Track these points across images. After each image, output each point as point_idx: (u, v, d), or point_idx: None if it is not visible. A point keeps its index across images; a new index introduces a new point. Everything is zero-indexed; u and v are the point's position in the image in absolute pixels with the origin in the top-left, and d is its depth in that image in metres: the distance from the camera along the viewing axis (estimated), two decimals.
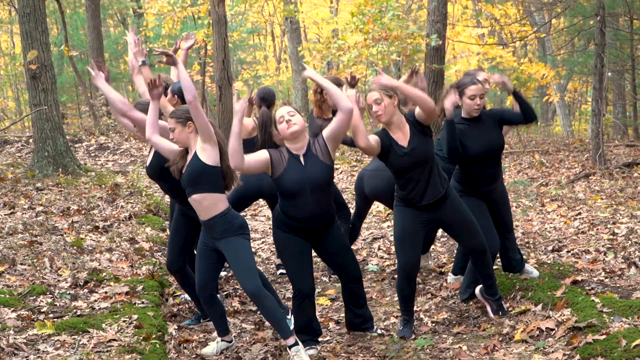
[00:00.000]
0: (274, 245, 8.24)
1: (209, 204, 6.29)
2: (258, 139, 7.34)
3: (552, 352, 6.09)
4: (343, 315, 7.28)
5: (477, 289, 7.42)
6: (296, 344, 6.29)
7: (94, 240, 9.34)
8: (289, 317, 7.12)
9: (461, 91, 7.23)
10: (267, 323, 7.17)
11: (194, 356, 6.62)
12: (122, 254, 8.80)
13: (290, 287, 8.61)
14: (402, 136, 6.65)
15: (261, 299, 6.27)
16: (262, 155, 6.36)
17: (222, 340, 6.74)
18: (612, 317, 6.28)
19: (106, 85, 7.05)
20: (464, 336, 6.91)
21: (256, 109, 8.67)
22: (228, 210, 6.38)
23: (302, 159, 6.41)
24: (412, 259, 6.87)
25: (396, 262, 9.00)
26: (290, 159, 6.39)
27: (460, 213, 6.88)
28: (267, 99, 8.54)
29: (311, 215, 6.48)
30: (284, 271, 9.16)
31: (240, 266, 6.29)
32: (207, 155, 6.24)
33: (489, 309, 7.27)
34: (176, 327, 7.16)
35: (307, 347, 6.63)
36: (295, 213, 6.45)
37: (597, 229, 9.58)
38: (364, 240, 10.58)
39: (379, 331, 7.11)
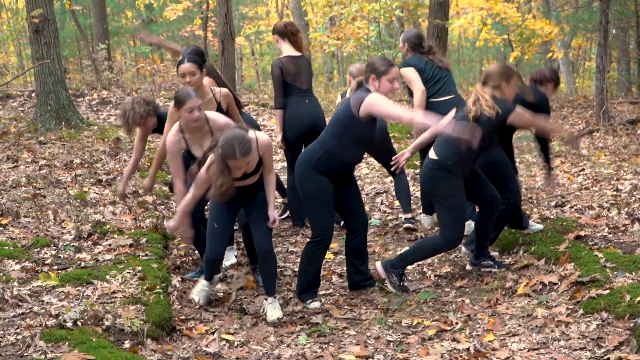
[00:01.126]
0: None
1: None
2: None
3: (555, 306, 6.11)
4: (346, 269, 7.29)
5: (468, 265, 7.41)
6: (274, 298, 6.51)
7: (97, 194, 9.35)
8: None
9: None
10: None
11: (197, 307, 6.64)
12: (126, 207, 8.80)
13: (291, 239, 8.68)
14: None
15: (272, 257, 6.39)
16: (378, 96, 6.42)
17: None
18: (615, 272, 6.30)
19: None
20: (467, 290, 6.94)
21: None
22: None
23: None
24: (462, 234, 6.96)
25: (399, 216, 9.06)
26: None
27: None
28: None
29: (358, 161, 6.78)
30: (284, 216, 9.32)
31: (263, 223, 6.35)
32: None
33: (490, 270, 7.28)
34: (180, 279, 7.18)
35: (311, 300, 6.68)
36: (350, 158, 6.59)
37: (601, 185, 9.58)
38: (366, 194, 10.57)
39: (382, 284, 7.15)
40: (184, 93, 6.59)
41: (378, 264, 7.12)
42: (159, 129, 7.65)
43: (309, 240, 6.83)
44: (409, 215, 8.77)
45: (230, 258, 7.80)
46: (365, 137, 6.51)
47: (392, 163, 7.54)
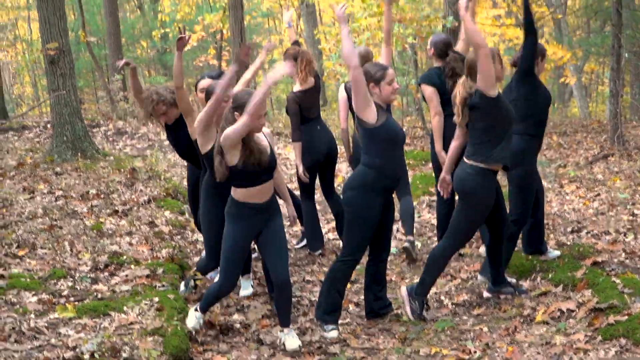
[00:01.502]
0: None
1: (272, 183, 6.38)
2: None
3: (574, 333, 6.09)
4: (363, 297, 7.28)
5: (486, 292, 7.38)
6: (290, 328, 6.48)
7: (113, 224, 9.37)
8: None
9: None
10: None
11: (215, 338, 6.63)
12: (142, 237, 8.82)
13: (308, 268, 8.66)
14: None
15: (289, 289, 6.37)
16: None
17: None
18: (633, 298, 6.28)
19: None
20: (485, 318, 6.92)
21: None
22: None
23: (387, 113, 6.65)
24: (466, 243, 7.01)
25: (416, 244, 9.02)
26: (384, 111, 6.56)
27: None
28: None
29: (400, 169, 6.77)
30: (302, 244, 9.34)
31: (281, 252, 6.36)
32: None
33: (509, 296, 7.25)
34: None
35: (330, 328, 6.65)
36: (395, 168, 6.58)
37: (617, 210, 9.54)
38: None
39: (399, 312, 7.13)
40: (215, 85, 6.71)
41: (403, 288, 7.10)
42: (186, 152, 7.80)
43: (336, 260, 6.84)
44: (411, 238, 8.74)
45: (247, 288, 7.79)
46: (394, 136, 6.52)
47: (441, 193, 7.48)
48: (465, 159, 6.82)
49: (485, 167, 6.65)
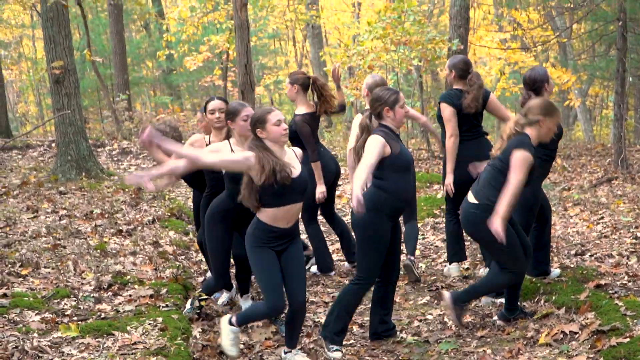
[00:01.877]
0: None
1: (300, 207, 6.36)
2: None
3: (576, 355, 6.07)
4: (367, 318, 7.28)
5: (499, 320, 7.32)
6: (296, 349, 6.50)
7: (117, 244, 9.38)
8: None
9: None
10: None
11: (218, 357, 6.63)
12: (146, 257, 8.82)
13: (312, 289, 8.65)
14: None
15: (304, 312, 6.39)
16: (378, 140, 6.42)
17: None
18: (635, 321, 6.27)
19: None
20: (488, 340, 6.90)
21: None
22: None
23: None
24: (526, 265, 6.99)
25: (419, 266, 9.01)
26: (396, 137, 6.62)
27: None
28: None
29: (412, 191, 6.90)
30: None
31: (300, 276, 6.32)
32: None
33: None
34: (200, 330, 7.17)
35: (334, 348, 6.62)
36: (402, 190, 6.55)
37: (620, 233, 9.54)
38: None
39: (402, 335, 7.12)
40: (235, 104, 6.79)
41: (447, 294, 7.03)
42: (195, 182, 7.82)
43: (348, 282, 6.81)
44: (412, 257, 8.72)
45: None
46: (405, 162, 6.55)
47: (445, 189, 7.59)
48: (469, 197, 6.83)
49: (489, 204, 6.64)
